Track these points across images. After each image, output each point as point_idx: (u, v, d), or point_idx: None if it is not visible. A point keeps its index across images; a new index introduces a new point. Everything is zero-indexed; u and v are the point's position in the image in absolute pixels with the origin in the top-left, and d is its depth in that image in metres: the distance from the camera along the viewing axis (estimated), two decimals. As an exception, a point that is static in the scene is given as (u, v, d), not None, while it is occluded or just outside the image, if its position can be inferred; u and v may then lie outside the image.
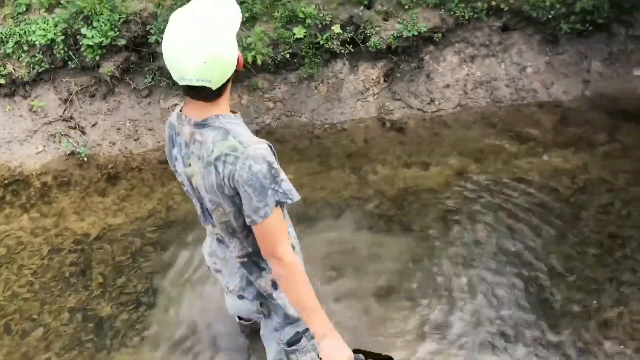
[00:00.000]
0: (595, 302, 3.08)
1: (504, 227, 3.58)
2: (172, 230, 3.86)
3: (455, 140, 4.35)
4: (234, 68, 1.70)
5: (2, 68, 4.51)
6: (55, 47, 4.47)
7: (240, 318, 2.95)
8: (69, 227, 3.98)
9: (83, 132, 4.62)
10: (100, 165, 4.50)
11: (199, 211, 2.07)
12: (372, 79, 4.65)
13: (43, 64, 4.55)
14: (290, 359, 2.20)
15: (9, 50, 4.52)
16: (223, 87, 1.72)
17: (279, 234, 1.83)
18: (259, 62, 4.41)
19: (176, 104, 4.66)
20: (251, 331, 2.97)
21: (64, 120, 4.64)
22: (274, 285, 2.06)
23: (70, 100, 4.65)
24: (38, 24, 4.50)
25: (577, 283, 3.19)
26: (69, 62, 4.58)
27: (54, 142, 4.60)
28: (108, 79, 4.59)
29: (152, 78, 4.64)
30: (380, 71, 4.65)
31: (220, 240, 2.11)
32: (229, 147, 1.73)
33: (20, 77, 4.56)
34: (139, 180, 4.34)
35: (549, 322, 3.00)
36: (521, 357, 2.85)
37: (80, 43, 4.45)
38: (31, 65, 4.55)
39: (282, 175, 1.79)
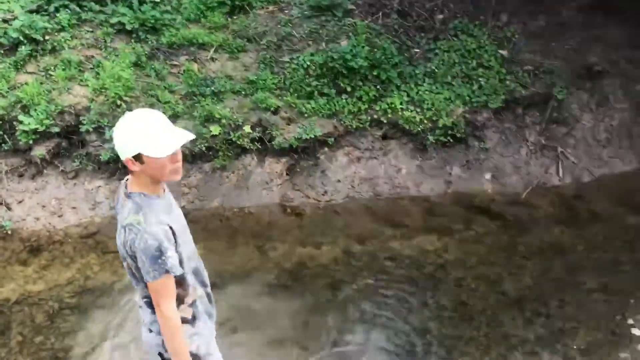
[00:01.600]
0: (445, 353, 3.79)
1: (379, 295, 4.27)
2: (89, 295, 4.20)
3: (344, 225, 5.08)
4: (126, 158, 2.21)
5: (-64, 146, 4.88)
6: (-8, 130, 4.93)
7: None
8: (-11, 293, 4.24)
9: (9, 208, 4.95)
10: (23, 238, 4.82)
11: None
12: (276, 172, 5.38)
13: (-22, 145, 4.96)
14: None
15: (-55, 131, 4.91)
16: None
17: (163, 292, 2.26)
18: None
19: (100, 186, 5.14)
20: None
21: (-9, 196, 4.98)
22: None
23: (0, 179, 5.03)
24: (-23, 109, 4.96)
25: (434, 340, 3.87)
26: (3, 145, 5.00)
27: (-20, 216, 4.90)
28: (38, 161, 5.03)
29: (80, 162, 5.13)
30: (284, 166, 5.40)
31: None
32: (136, 220, 2.19)
33: (-47, 155, 4.93)
34: (60, 252, 4.69)
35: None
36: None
37: (17, 128, 4.93)
38: (-34, 145, 4.94)
39: (170, 253, 2.20)
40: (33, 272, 4.45)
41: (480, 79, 5.67)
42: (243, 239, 4.84)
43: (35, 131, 4.93)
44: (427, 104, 5.49)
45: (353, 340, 3.86)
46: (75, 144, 5.19)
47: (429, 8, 6.05)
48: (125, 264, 2.36)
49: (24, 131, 4.91)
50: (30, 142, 4.96)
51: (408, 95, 5.57)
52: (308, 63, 5.54)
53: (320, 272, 4.50)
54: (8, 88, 5.13)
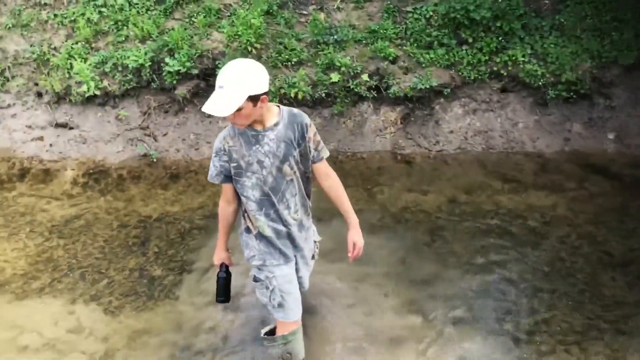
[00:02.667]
0: (536, 304, 3.85)
1: (477, 244, 4.39)
2: (216, 220, 4.69)
3: (452, 175, 5.20)
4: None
5: (100, 83, 5.69)
6: (143, 70, 5.61)
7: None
8: (135, 210, 4.95)
9: (155, 139, 5.70)
10: (166, 166, 5.54)
11: None
12: (391, 120, 5.60)
13: (132, 83, 5.69)
14: (256, 288, 3.14)
15: (107, 69, 5.68)
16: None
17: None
18: (300, 97, 5.45)
19: (226, 126, 5.70)
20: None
21: (141, 128, 5.74)
22: (244, 228, 3.05)
23: (149, 113, 5.76)
24: (132, 51, 5.65)
25: (525, 291, 3.96)
26: (152, 83, 5.70)
27: (132, 145, 5.68)
28: (180, 100, 5.70)
29: (215, 102, 5.70)
30: (398, 114, 5.60)
31: None
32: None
33: (112, 91, 5.71)
34: (194, 180, 5.34)
35: (498, 317, 3.76)
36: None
37: (163, 69, 5.59)
38: (122, 83, 5.69)
39: (211, 164, 2.83)
40: (171, 196, 5.12)
41: (612, 33, 5.35)
42: (353, 181, 5.14)
43: (178, 72, 5.56)
44: (552, 57, 5.33)
45: (444, 282, 4.06)
46: (212, 85, 5.74)
47: (565, -44, 5.74)
48: None
49: (169, 72, 5.56)
50: (174, 82, 5.61)
51: (532, 48, 5.43)
52: (430, 13, 5.59)
53: (423, 218, 4.70)
54: (158, 33, 5.79)
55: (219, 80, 2.56)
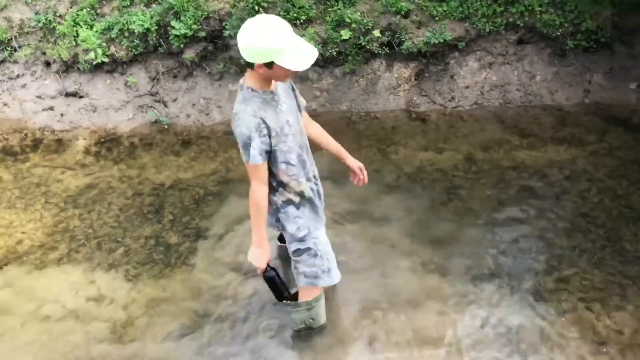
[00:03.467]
0: (557, 261, 3.80)
1: (496, 201, 4.33)
2: (229, 185, 4.75)
3: (469, 132, 5.10)
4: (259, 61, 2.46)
5: (107, 49, 5.60)
6: (150, 35, 5.50)
7: (280, 241, 3.70)
8: (149, 178, 4.92)
9: (165, 105, 5.65)
10: (177, 132, 5.49)
11: None
12: (404, 77, 5.47)
13: (139, 48, 5.59)
14: (295, 265, 3.07)
15: (113, 36, 5.58)
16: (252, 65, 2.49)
17: (253, 174, 2.69)
18: (311, 57, 5.31)
19: (241, 88, 5.63)
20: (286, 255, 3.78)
21: (151, 94, 5.67)
22: (280, 205, 2.90)
23: (157, 79, 5.69)
24: (138, 15, 5.52)
25: (546, 248, 3.91)
26: (159, 48, 5.60)
27: (142, 111, 5.63)
28: (189, 64, 5.61)
29: (224, 65, 5.62)
30: (412, 71, 5.46)
31: None
32: (239, 110, 2.60)
33: (120, 57, 5.62)
34: (206, 146, 5.28)
35: (518, 275, 3.73)
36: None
37: (170, 33, 5.47)
38: (129, 49, 5.59)
39: (254, 143, 2.56)
40: (184, 162, 5.09)
41: (636, -26, 5.12)
42: (367, 142, 5.07)
43: (185, 36, 5.44)
44: (570, 5, 5.12)
45: (462, 241, 4.02)
46: (220, 47, 5.66)
47: None
48: None
49: (176, 35, 5.44)
50: (182, 46, 5.49)
51: (550, -4, 5.23)
52: (443, -37, 5.38)
53: (439, 177, 4.63)
54: (162, -5, 5.67)
55: (293, 35, 2.48)
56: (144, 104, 5.64)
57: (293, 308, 3.21)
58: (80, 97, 5.72)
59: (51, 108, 5.69)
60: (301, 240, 2.96)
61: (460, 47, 5.32)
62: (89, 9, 5.73)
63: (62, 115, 5.65)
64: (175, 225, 4.39)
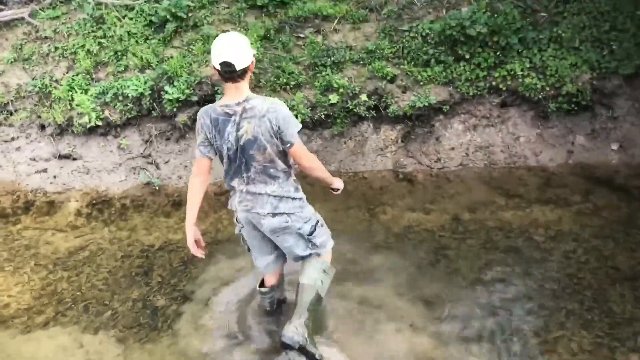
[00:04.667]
0: (544, 323, 3.76)
1: (483, 262, 4.33)
2: (218, 246, 4.76)
3: (455, 192, 5.16)
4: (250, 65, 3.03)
5: (101, 113, 5.74)
6: (143, 99, 5.66)
7: (261, 286, 3.79)
8: (139, 239, 4.95)
9: (157, 167, 5.73)
10: (168, 193, 5.56)
11: (230, 171, 3.26)
12: (391, 139, 5.59)
13: (132, 112, 5.74)
14: (312, 241, 3.42)
15: (107, 100, 5.74)
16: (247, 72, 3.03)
17: (304, 148, 3.19)
18: (300, 119, 5.44)
19: (232, 150, 5.72)
20: (270, 303, 3.82)
21: (143, 156, 5.77)
22: (295, 188, 3.32)
23: (150, 141, 5.80)
24: (132, 80, 5.71)
25: (533, 309, 3.89)
26: (152, 112, 5.75)
27: (134, 173, 5.72)
28: (181, 127, 5.73)
29: (215, 128, 5.74)
30: (398, 133, 5.59)
31: (252, 183, 3.24)
32: (269, 104, 3.03)
33: (114, 121, 5.76)
34: (197, 207, 5.34)
35: (506, 336, 3.69)
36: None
37: (163, 97, 5.63)
38: (123, 112, 5.74)
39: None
40: (174, 223, 5.12)
41: (612, 43, 5.32)
42: (355, 202, 5.12)
43: (177, 100, 5.59)
44: (551, 70, 5.30)
45: (450, 301, 4.00)
46: (211, 111, 5.79)
47: (560, -33, 5.74)
48: (259, 159, 3.14)
49: (169, 100, 5.59)
50: (174, 109, 5.64)
51: (530, 62, 5.41)
52: (426, 31, 5.59)
53: (427, 237, 4.64)
54: (157, 61, 5.85)
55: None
56: (136, 165, 5.72)
57: (328, 273, 3.56)
58: (74, 159, 5.81)
59: (44, 170, 5.77)
60: (311, 217, 3.44)
61: (445, 110, 5.46)
62: (84, 74, 5.90)
63: (55, 177, 5.71)
64: (163, 287, 4.37)
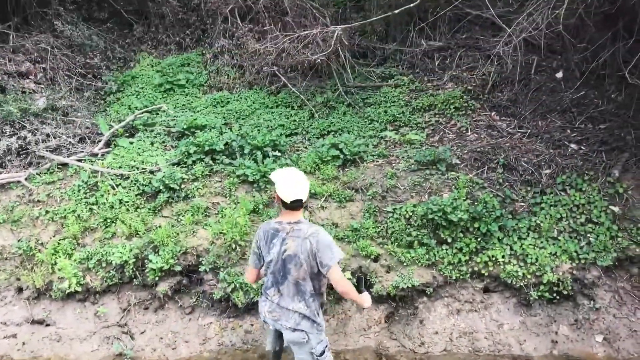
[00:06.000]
0: None
1: None
2: None
3: (439, 379, 4.98)
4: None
5: (82, 279, 5.66)
6: (127, 267, 5.63)
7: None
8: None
9: (132, 338, 5.52)
10: (140, 366, 5.31)
11: (269, 280, 4.01)
12: (375, 319, 5.48)
13: (114, 279, 5.66)
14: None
15: (91, 265, 5.69)
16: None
17: (340, 269, 3.93)
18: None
19: (211, 322, 5.57)
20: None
21: (119, 325, 5.58)
22: (321, 307, 4.02)
23: (128, 310, 5.65)
24: (118, 247, 5.72)
25: None
26: (134, 280, 5.68)
27: (108, 342, 5.48)
28: (161, 297, 5.63)
29: (196, 299, 5.66)
30: (382, 313, 5.50)
31: (282, 295, 3.93)
32: (314, 230, 3.87)
33: (94, 287, 5.66)
34: (167, 385, 5.08)
35: None
36: None
37: (147, 266, 5.61)
38: (104, 279, 5.67)
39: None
40: (142, 401, 4.83)
41: (589, 235, 5.48)
42: (336, 385, 4.90)
43: (161, 269, 5.57)
44: (531, 258, 5.39)
45: None
46: (194, 281, 5.75)
47: (535, 163, 6.09)
48: (295, 274, 3.86)
49: (152, 269, 5.57)
50: (156, 278, 5.59)
51: (511, 249, 5.52)
52: (410, 214, 5.78)
53: None
54: (145, 230, 5.92)
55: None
56: (110, 335, 5.52)
57: None
58: (47, 325, 5.62)
59: (14, 335, 5.54)
60: (322, 340, 4.07)
61: (429, 293, 5.44)
62: (71, 239, 5.93)
63: (23, 344, 5.48)
64: None
